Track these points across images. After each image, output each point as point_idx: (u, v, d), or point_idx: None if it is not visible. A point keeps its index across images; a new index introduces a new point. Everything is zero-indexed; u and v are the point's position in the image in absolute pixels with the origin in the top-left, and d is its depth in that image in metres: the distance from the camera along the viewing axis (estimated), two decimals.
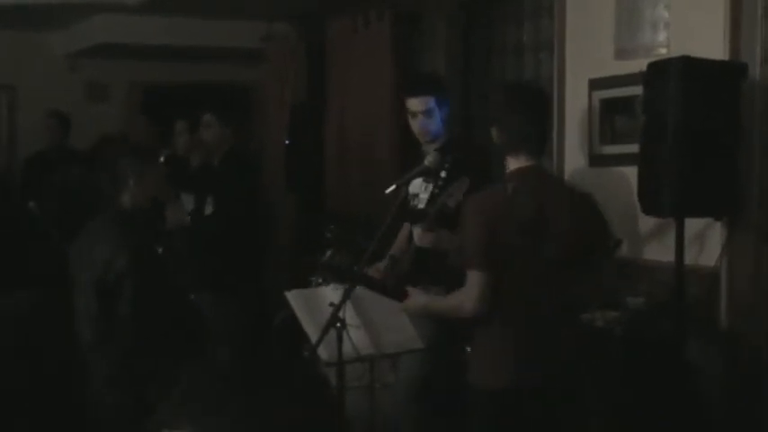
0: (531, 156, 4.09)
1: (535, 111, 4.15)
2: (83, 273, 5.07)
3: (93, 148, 9.19)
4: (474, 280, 3.99)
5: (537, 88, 4.52)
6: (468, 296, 4.02)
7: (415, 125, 5.50)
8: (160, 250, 5.83)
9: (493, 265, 3.97)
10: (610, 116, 5.95)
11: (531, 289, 4.03)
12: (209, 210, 6.74)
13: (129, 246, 4.94)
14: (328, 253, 5.82)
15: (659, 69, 4.93)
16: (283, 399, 6.07)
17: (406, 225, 5.58)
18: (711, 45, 5.19)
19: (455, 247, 4.81)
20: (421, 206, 5.35)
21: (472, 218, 4.06)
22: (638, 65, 5.29)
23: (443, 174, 5.05)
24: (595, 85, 6.01)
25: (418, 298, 4.39)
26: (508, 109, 4.16)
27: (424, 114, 5.44)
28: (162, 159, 6.89)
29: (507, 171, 4.13)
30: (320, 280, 5.88)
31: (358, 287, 4.47)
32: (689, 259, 5.01)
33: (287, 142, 8.74)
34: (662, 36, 5.58)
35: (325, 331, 4.38)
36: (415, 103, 5.47)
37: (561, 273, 4.07)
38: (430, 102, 5.43)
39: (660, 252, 5.38)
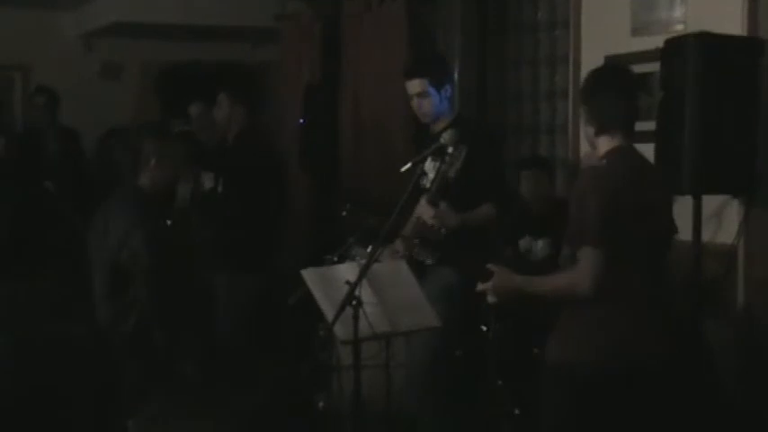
0: (624, 135, 4.07)
1: (626, 90, 4.15)
2: (99, 251, 5.07)
3: (103, 138, 9.20)
4: (592, 258, 3.92)
5: (625, 68, 4.50)
6: (585, 274, 3.93)
7: (414, 106, 5.53)
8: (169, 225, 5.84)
9: (610, 243, 3.92)
10: None
11: (640, 270, 4.00)
12: (219, 189, 6.73)
13: (145, 225, 4.93)
14: (351, 239, 5.84)
15: (676, 46, 4.90)
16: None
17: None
18: (729, 21, 5.15)
19: (456, 224, 4.81)
20: (428, 185, 5.36)
21: (589, 195, 4.00)
22: (655, 41, 5.26)
23: (450, 149, 5.06)
24: (612, 61, 5.96)
25: (509, 277, 4.23)
26: (601, 90, 4.14)
27: (419, 96, 5.46)
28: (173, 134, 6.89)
29: (603, 151, 4.10)
30: (335, 258, 5.87)
31: (374, 265, 4.47)
32: (706, 237, 4.99)
33: (301, 121, 8.72)
34: (679, 12, 5.55)
35: (341, 309, 4.37)
36: (410, 86, 5.51)
37: (662, 254, 4.07)
38: (424, 83, 5.44)
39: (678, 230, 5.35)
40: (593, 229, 3.92)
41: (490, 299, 4.19)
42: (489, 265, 4.22)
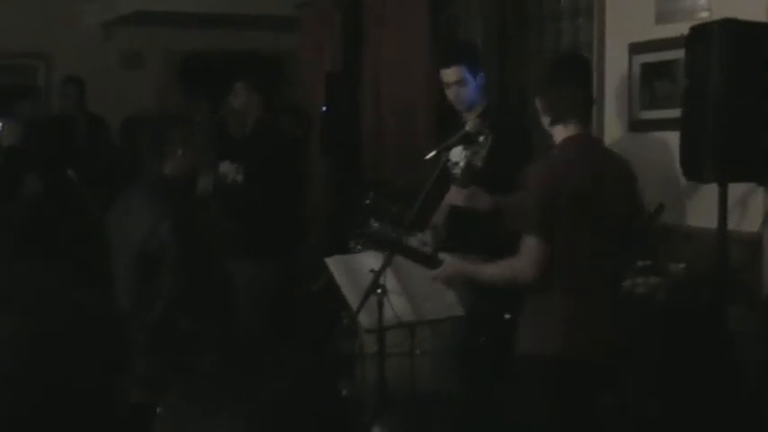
0: (580, 124, 4.11)
1: (581, 79, 4.21)
2: (122, 240, 5.07)
3: (126, 121, 9.22)
4: (532, 246, 3.97)
5: (580, 57, 4.56)
6: (525, 262, 3.99)
7: (450, 95, 5.51)
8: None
9: (551, 230, 3.95)
10: (650, 81, 5.89)
11: (586, 256, 4.04)
12: (239, 178, 6.74)
13: (172, 214, 4.94)
14: (375, 224, 5.82)
15: (701, 33, 4.87)
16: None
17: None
18: (754, 7, 5.12)
19: (488, 205, 4.83)
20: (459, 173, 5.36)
21: (533, 182, 4.05)
22: (680, 28, 5.23)
23: (481, 139, 5.05)
24: (636, 49, 5.95)
25: (459, 266, 4.36)
26: (555, 80, 4.19)
27: (457, 84, 5.45)
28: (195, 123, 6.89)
29: (559, 140, 4.14)
30: (359, 246, 5.87)
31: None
32: (731, 225, 4.96)
33: (324, 110, 8.71)
34: None
35: (365, 298, 4.38)
36: (447, 74, 5.48)
37: (613, 240, 4.10)
38: (462, 71, 5.44)
39: (702, 218, 5.33)
40: (532, 217, 3.97)
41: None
42: (440, 255, 4.33)
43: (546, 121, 4.20)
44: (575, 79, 4.22)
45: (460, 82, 5.45)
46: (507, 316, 5.67)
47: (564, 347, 4.05)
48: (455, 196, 5.11)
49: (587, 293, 4.08)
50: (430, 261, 4.43)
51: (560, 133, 4.15)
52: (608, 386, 4.21)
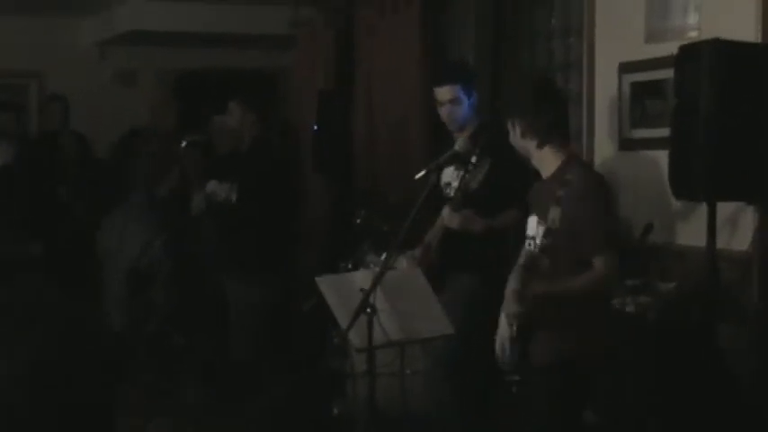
0: (565, 144, 4.17)
1: (560, 100, 4.27)
2: (114, 256, 5.08)
3: (123, 139, 9.21)
4: (612, 259, 4.10)
5: (553, 80, 4.65)
6: (609, 276, 4.08)
7: (443, 114, 5.51)
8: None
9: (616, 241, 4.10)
10: (640, 100, 5.91)
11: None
12: (233, 197, 6.73)
13: (166, 231, 4.96)
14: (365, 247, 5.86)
15: (691, 52, 4.89)
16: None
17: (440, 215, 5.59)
18: (743, 27, 5.14)
19: (482, 228, 4.86)
20: (452, 194, 5.36)
21: (601, 198, 4.14)
22: (669, 48, 5.25)
23: (474, 159, 5.06)
24: (626, 68, 5.97)
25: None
26: (540, 101, 4.21)
27: (450, 103, 5.45)
28: (185, 144, 6.91)
29: (555, 161, 4.18)
30: (349, 265, 5.88)
31: (389, 273, 4.48)
32: (721, 243, 4.97)
33: (316, 128, 8.73)
34: (693, 19, 5.54)
35: (355, 317, 4.38)
36: (441, 92, 5.48)
37: None
38: (456, 90, 5.44)
39: (692, 236, 5.34)
40: (608, 232, 4.03)
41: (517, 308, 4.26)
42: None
43: (530, 144, 4.22)
44: (559, 101, 4.27)
45: (454, 101, 5.45)
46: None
47: (585, 353, 4.13)
48: (449, 220, 5.12)
49: (606, 301, 4.21)
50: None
51: (550, 155, 4.18)
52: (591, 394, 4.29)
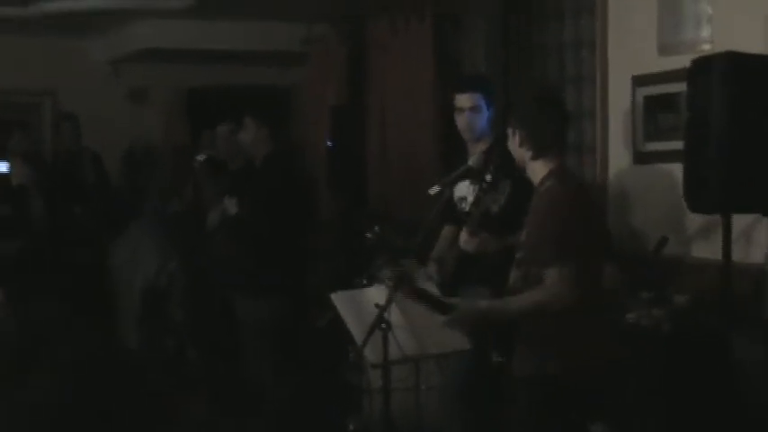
0: (559, 156, 4.19)
1: (561, 112, 4.27)
2: (128, 275, 5.09)
3: (123, 158, 9.23)
4: (565, 272, 4.01)
5: (554, 90, 4.63)
6: (562, 289, 4.04)
7: (462, 121, 5.50)
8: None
9: (579, 255, 4.03)
10: (653, 113, 5.91)
11: (593, 281, 4.11)
12: (233, 210, 6.73)
13: (181, 248, 4.96)
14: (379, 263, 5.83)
15: (703, 65, 4.89)
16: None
17: (448, 228, 5.58)
18: (756, 40, 5.15)
19: (498, 250, 4.87)
20: (468, 209, 5.35)
21: (562, 211, 4.11)
22: (682, 61, 5.25)
23: (488, 177, 5.05)
24: (639, 81, 5.97)
25: (471, 307, 4.36)
26: (538, 113, 4.23)
27: (471, 110, 5.45)
28: (201, 159, 6.94)
29: (542, 172, 4.19)
30: (364, 281, 5.87)
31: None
32: (736, 256, 4.96)
33: (329, 144, 8.74)
34: (705, 32, 5.54)
35: (370, 333, 4.37)
36: (462, 99, 5.48)
37: (603, 265, 4.18)
38: (477, 98, 5.44)
39: (707, 249, 5.34)
40: (563, 246, 4.02)
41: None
42: (449, 300, 4.36)
43: (525, 154, 4.24)
44: (556, 114, 4.28)
45: (475, 108, 5.46)
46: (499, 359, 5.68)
47: (568, 367, 4.10)
48: (466, 244, 5.10)
49: (590, 315, 4.13)
50: (443, 307, 4.41)
51: (541, 166, 4.21)
52: (600, 407, 4.26)
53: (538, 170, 4.23)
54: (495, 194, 4.88)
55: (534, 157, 4.22)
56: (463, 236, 5.09)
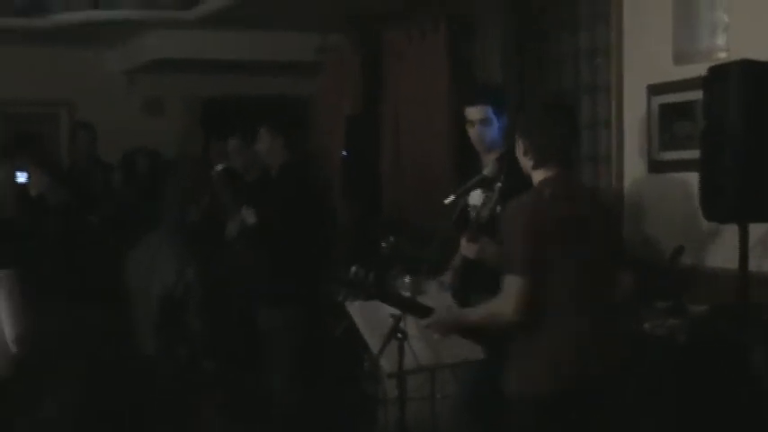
0: (561, 167, 4.16)
1: (567, 126, 4.26)
2: (145, 284, 5.09)
3: (122, 166, 9.23)
4: (513, 286, 4.00)
5: (564, 102, 4.61)
6: (505, 301, 4.02)
7: (473, 134, 5.52)
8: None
9: (533, 269, 3.98)
10: (669, 122, 5.90)
11: (570, 293, 4.07)
12: (251, 221, 6.74)
13: (199, 257, 4.97)
14: (353, 269, 5.81)
15: (719, 73, 4.88)
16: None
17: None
18: None
19: (498, 255, 4.86)
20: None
21: (511, 223, 4.10)
22: (698, 69, 5.24)
23: (498, 185, 5.05)
24: (654, 90, 5.96)
25: (446, 314, 4.39)
26: (543, 124, 4.23)
27: (481, 123, 5.45)
28: (219, 169, 6.97)
29: (539, 180, 4.19)
30: (340, 297, 5.86)
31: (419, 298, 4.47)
32: (753, 265, 4.94)
33: (344, 154, 8.75)
34: (721, 40, 5.53)
35: (386, 342, 4.38)
36: (472, 112, 5.49)
37: (598, 275, 4.12)
38: (487, 111, 5.44)
39: (723, 258, 5.32)
40: (515, 258, 3.99)
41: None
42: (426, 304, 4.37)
43: (528, 163, 4.24)
44: (561, 125, 4.27)
45: (485, 121, 5.46)
46: None
47: (552, 384, 4.07)
48: (466, 250, 5.11)
49: (573, 329, 4.10)
50: (419, 310, 4.43)
51: (540, 175, 4.22)
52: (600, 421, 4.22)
53: (537, 179, 4.24)
54: (485, 200, 4.91)
55: (535, 167, 4.23)
56: (463, 242, 5.11)
